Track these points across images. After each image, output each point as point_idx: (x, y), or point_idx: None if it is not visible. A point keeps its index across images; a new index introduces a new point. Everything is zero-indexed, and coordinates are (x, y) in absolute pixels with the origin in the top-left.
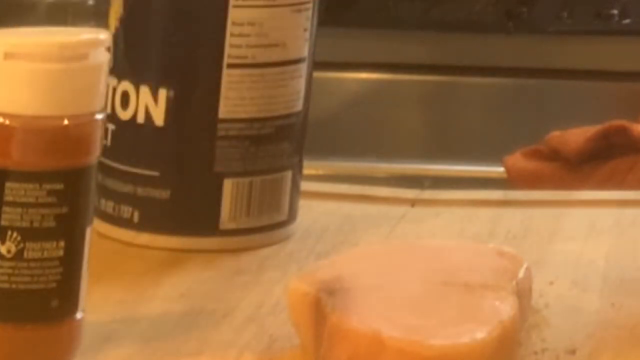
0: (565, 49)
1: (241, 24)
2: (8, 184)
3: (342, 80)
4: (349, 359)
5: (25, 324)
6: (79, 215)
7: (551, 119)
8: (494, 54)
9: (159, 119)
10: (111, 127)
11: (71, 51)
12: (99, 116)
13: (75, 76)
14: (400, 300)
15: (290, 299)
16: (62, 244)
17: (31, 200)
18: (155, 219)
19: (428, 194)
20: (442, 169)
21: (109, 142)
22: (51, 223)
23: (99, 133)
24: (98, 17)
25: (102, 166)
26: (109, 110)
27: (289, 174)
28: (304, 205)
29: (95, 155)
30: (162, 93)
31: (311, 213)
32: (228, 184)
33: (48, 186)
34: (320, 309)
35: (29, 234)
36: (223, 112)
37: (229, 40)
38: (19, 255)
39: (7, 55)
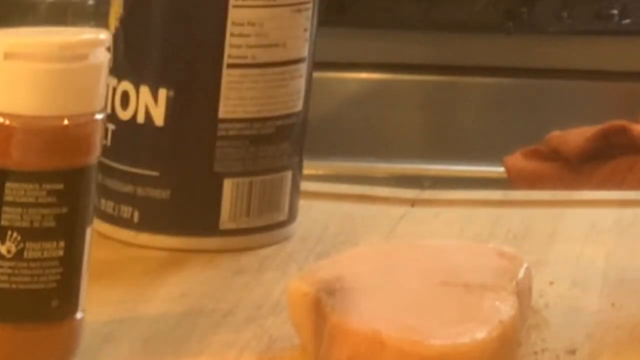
0: (565, 49)
1: (241, 24)
2: (8, 184)
3: (342, 80)
4: (349, 359)
5: (25, 324)
6: (79, 215)
7: (551, 119)
8: (494, 54)
9: (159, 119)
10: (111, 127)
11: (71, 51)
12: (99, 116)
13: (75, 76)
14: (400, 300)
15: (290, 299)
16: (62, 244)
17: (31, 200)
18: (155, 219)
19: (428, 194)
20: (442, 169)
21: (109, 142)
22: (51, 223)
23: (99, 133)
24: (98, 17)
25: (102, 166)
26: (109, 110)
27: (289, 174)
28: (304, 205)
29: (95, 155)
30: (162, 93)
31: (311, 213)
32: (228, 184)
33: (48, 186)
34: (320, 309)
35: (29, 234)
36: (223, 112)
37: (229, 40)
38: (19, 255)
39: (7, 55)
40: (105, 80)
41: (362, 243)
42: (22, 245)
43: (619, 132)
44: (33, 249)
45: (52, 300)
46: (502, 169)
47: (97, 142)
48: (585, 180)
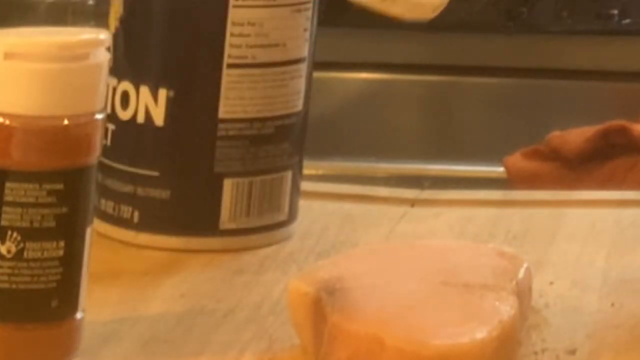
0: (565, 49)
1: (241, 24)
2: (8, 184)
3: (342, 80)
4: (349, 359)
5: (25, 324)
6: (79, 215)
7: (551, 119)
8: (494, 54)
9: (159, 119)
10: (111, 127)
11: (71, 51)
12: (99, 116)
13: (75, 76)
14: (400, 300)
15: (290, 299)
16: (62, 244)
17: (31, 200)
18: (155, 219)
19: (428, 194)
20: (442, 169)
21: (109, 142)
22: (51, 223)
23: (99, 133)
24: (98, 17)
25: (102, 166)
26: (109, 110)
27: (289, 174)
28: (304, 205)
29: (95, 155)
30: (162, 93)
31: (311, 213)
32: (228, 184)
33: (48, 186)
34: (320, 309)
35: (29, 234)
36: (223, 112)
37: (229, 40)
38: (19, 255)
39: (7, 55)
40: (105, 80)
41: (362, 243)
42: (22, 245)
43: (619, 132)
44: (33, 249)
45: (52, 300)
46: (502, 169)
47: (97, 142)
48: (585, 180)
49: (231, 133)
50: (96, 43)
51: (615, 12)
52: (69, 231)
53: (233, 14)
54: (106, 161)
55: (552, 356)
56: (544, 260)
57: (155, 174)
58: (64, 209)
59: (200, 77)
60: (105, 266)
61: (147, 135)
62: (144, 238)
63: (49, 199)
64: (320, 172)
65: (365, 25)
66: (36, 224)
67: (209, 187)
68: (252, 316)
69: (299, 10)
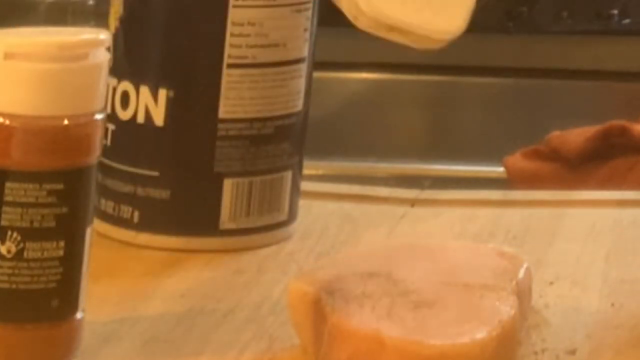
0: (565, 49)
1: (241, 24)
2: (8, 184)
3: (342, 80)
4: (349, 359)
5: (25, 324)
6: (79, 215)
7: (551, 119)
8: (494, 54)
9: (159, 119)
10: (111, 127)
11: (71, 51)
12: (99, 116)
13: (75, 76)
14: (400, 300)
15: (290, 299)
16: (62, 244)
17: (31, 200)
18: (155, 219)
19: (428, 194)
20: (442, 169)
21: (109, 142)
22: (51, 223)
23: (99, 133)
24: (98, 17)
25: (102, 166)
26: (109, 110)
27: (289, 174)
28: (304, 205)
29: (95, 155)
30: (162, 93)
31: (311, 213)
32: (228, 184)
33: (48, 186)
34: (320, 309)
35: (29, 234)
36: (223, 112)
37: (229, 40)
38: (19, 255)
39: (7, 55)
40: (105, 80)
41: (362, 243)
42: (22, 245)
43: (619, 132)
44: (33, 249)
45: (52, 300)
46: (502, 169)
47: (97, 142)
48: (585, 180)
49: (231, 133)
50: (96, 43)
51: (615, 12)
52: (69, 231)
53: (233, 14)
54: (106, 161)
55: (552, 356)
56: (544, 260)
57: (155, 174)
58: (64, 209)
59: (200, 77)
60: (105, 266)
61: (147, 135)
62: (144, 238)
63: (49, 199)
64: (320, 172)
65: None
66: (36, 224)
67: (209, 187)
68: (252, 316)
69: (299, 10)
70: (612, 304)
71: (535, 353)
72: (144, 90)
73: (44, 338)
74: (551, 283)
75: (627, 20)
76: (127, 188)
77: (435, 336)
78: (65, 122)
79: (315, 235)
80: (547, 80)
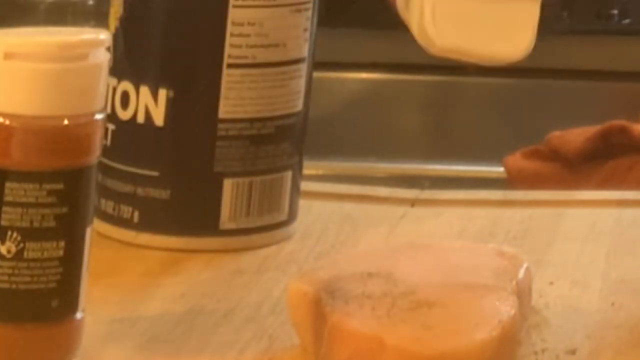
0: (565, 49)
1: (241, 24)
2: (8, 184)
3: (342, 80)
4: (349, 359)
5: (25, 324)
6: (79, 215)
7: (551, 119)
8: None
9: (159, 119)
10: (111, 127)
11: (71, 51)
12: (99, 116)
13: (75, 76)
14: (400, 300)
15: (290, 299)
16: (62, 244)
17: (31, 200)
18: (155, 219)
19: (428, 194)
20: (442, 169)
21: (109, 142)
22: (51, 223)
23: (99, 133)
24: (98, 17)
25: (102, 166)
26: (109, 110)
27: (289, 174)
28: (304, 205)
29: (95, 155)
30: (162, 93)
31: (311, 213)
32: (228, 184)
33: (48, 186)
34: (320, 309)
35: (29, 234)
36: (223, 112)
37: (229, 40)
38: (19, 255)
39: (7, 55)
40: (105, 80)
41: (362, 243)
42: (22, 245)
43: (619, 132)
44: (33, 249)
45: (52, 300)
46: (502, 169)
47: (97, 142)
48: (585, 180)
49: (231, 133)
50: (96, 43)
51: (615, 12)
52: (69, 231)
53: (233, 14)
54: (106, 161)
55: (552, 356)
56: (544, 260)
57: (155, 174)
58: (64, 209)
59: (200, 77)
60: (105, 266)
61: (147, 135)
62: (144, 238)
63: (49, 199)
64: (320, 172)
65: (365, 25)
66: (36, 224)
67: (209, 187)
68: (252, 316)
69: (299, 10)
70: (612, 304)
71: (535, 353)
72: (144, 90)
73: (44, 338)
74: (551, 283)
75: (627, 20)
76: (127, 188)
77: (435, 336)
78: (65, 122)
79: (315, 235)
80: (547, 80)
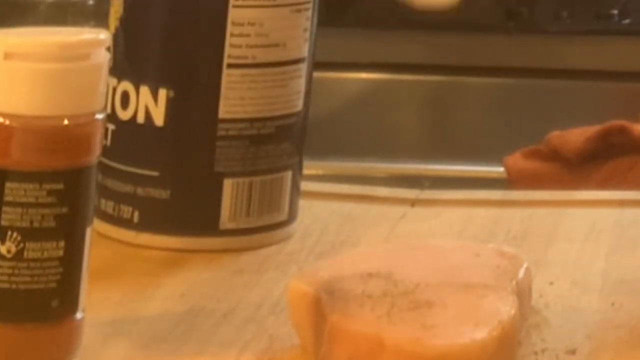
0: (565, 49)
1: (241, 24)
2: (8, 184)
3: (342, 80)
4: (349, 359)
5: (25, 324)
6: (79, 215)
7: (551, 119)
8: (494, 54)
9: (159, 119)
10: (111, 127)
11: (71, 51)
12: (99, 116)
13: (75, 76)
14: (400, 300)
15: (290, 299)
16: (62, 244)
17: (31, 200)
18: (155, 219)
19: (428, 194)
20: (442, 169)
21: (109, 142)
22: (51, 223)
23: (99, 133)
24: (98, 17)
25: (102, 166)
26: (109, 110)
27: (289, 174)
28: (304, 205)
29: (95, 155)
30: (162, 93)
31: (311, 213)
32: (228, 184)
33: (48, 186)
34: (320, 309)
35: (29, 234)
36: (223, 112)
37: (229, 40)
38: (19, 255)
39: (7, 55)
40: (105, 80)
41: (362, 243)
42: (22, 245)
43: (619, 132)
44: (33, 249)
45: (52, 300)
46: (502, 169)
47: (97, 142)
48: (585, 180)
49: (231, 133)
50: (96, 43)
51: (615, 12)
52: (69, 231)
53: (233, 14)
54: (106, 161)
55: (552, 356)
56: (544, 260)
57: (155, 174)
58: (64, 209)
59: (200, 77)
60: (105, 266)
61: (147, 135)
62: (144, 238)
63: (49, 199)
64: (320, 172)
65: (365, 25)
66: (36, 224)
67: (209, 187)
68: (252, 316)
69: (299, 10)
70: (612, 304)
71: (535, 353)
72: (144, 90)
73: (44, 338)
74: (551, 283)
75: (627, 20)
76: (127, 188)
77: (435, 336)
78: (65, 122)
79: (315, 235)
80: (547, 80)
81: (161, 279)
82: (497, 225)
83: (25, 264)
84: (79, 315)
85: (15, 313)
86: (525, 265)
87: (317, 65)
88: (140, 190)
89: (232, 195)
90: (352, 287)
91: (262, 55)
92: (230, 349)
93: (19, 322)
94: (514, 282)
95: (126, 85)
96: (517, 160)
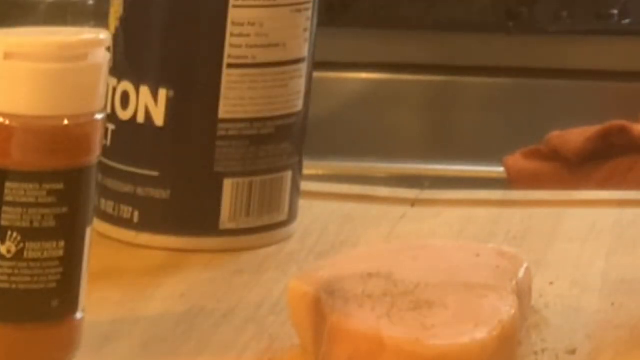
0: (565, 49)
1: (241, 24)
2: (8, 184)
3: (342, 80)
4: (349, 359)
5: (25, 324)
6: (79, 215)
7: (551, 119)
8: (494, 54)
9: (159, 119)
10: (111, 127)
11: (71, 51)
12: (99, 116)
13: (75, 76)
14: (400, 300)
15: (290, 299)
16: (62, 244)
17: (31, 200)
18: (155, 219)
19: (428, 194)
20: (442, 169)
21: (109, 142)
22: (51, 223)
23: (99, 133)
24: (98, 17)
25: (102, 166)
26: (109, 110)
27: (289, 174)
28: (304, 205)
29: (95, 155)
30: (162, 93)
31: (311, 213)
32: (228, 184)
33: (48, 186)
34: (320, 309)
35: (29, 234)
36: (223, 112)
37: (229, 40)
38: (19, 255)
39: (7, 55)
40: (105, 80)
41: (362, 243)
42: (22, 245)
43: (619, 132)
44: (33, 249)
45: (52, 300)
46: (502, 169)
47: (97, 142)
48: (585, 180)
49: (231, 133)
50: (96, 43)
51: (615, 12)
52: (69, 231)
53: (233, 14)
54: (106, 161)
55: (552, 356)
56: (544, 260)
57: (155, 174)
58: (64, 209)
59: (200, 77)
60: (105, 266)
61: (147, 135)
62: (144, 238)
63: (49, 199)
64: (320, 172)
65: (365, 25)
66: (36, 224)
67: (209, 187)
68: (252, 316)
69: (299, 10)
70: (612, 304)
71: (535, 353)
72: (144, 90)
73: (43, 338)
74: (551, 283)
75: (627, 20)
76: (127, 188)
77: (435, 336)
78: (65, 122)
79: (315, 235)
80: (547, 80)
81: (161, 279)
82: (497, 225)
83: (25, 264)
84: (79, 315)
85: (15, 313)
86: (525, 265)
87: (317, 65)
88: (140, 190)
89: (232, 195)
90: (352, 287)
91: (262, 55)
92: (230, 349)
93: (19, 322)
94: (514, 282)
95: (126, 85)
96: (517, 160)
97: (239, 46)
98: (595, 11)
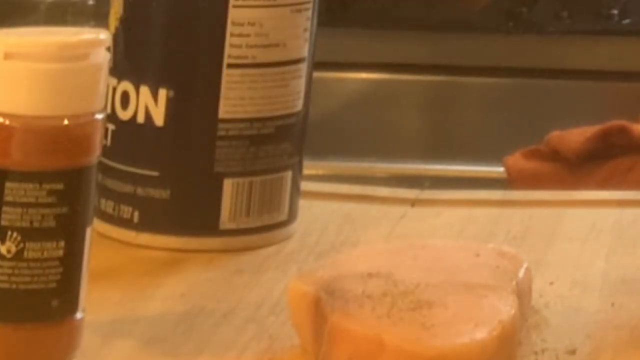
0: (565, 49)
1: (241, 24)
2: (8, 184)
3: (342, 80)
4: (349, 359)
5: (25, 324)
6: (79, 215)
7: (551, 119)
8: (494, 54)
9: (159, 119)
10: (111, 127)
11: (71, 51)
12: (99, 116)
13: (75, 76)
14: (400, 300)
15: (290, 299)
16: (62, 244)
17: (31, 200)
18: (155, 219)
19: (428, 194)
20: (442, 169)
21: (109, 142)
22: (51, 223)
23: (99, 133)
24: (98, 17)
25: (102, 166)
26: (109, 110)
27: (289, 174)
28: (304, 205)
29: (95, 155)
30: (162, 93)
31: (311, 213)
32: (228, 184)
33: (48, 186)
34: (320, 309)
35: (29, 234)
36: (223, 112)
37: (229, 40)
38: (19, 255)
39: (7, 55)
40: (105, 80)
41: (362, 243)
42: (22, 245)
43: (619, 132)
44: (33, 249)
45: (52, 300)
46: (502, 169)
47: (97, 142)
48: (585, 180)
49: (231, 133)
50: (96, 43)
51: (615, 12)
52: (69, 231)
53: (233, 14)
54: (106, 161)
55: (552, 356)
56: (544, 260)
57: (155, 174)
58: (64, 209)
59: (200, 77)
60: (105, 266)
61: (147, 135)
62: (144, 238)
63: (49, 199)
64: (320, 172)
65: (365, 25)
66: (36, 224)
67: (209, 187)
68: (252, 316)
69: (299, 10)
70: (612, 304)
71: (535, 353)
72: (144, 90)
73: (44, 338)
74: (551, 283)
75: (627, 20)
76: (127, 188)
77: (435, 336)
78: (65, 122)
79: (315, 235)
80: (547, 80)
81: (161, 279)
82: (497, 225)
83: (25, 264)
84: (79, 315)
85: (15, 313)
86: (525, 265)
87: (317, 65)
88: (140, 190)
89: (232, 195)
90: (352, 287)
91: (262, 55)
92: (230, 349)
93: (19, 322)
94: (514, 282)
95: (126, 85)
96: (517, 160)
97: (239, 46)
98: (595, 11)
